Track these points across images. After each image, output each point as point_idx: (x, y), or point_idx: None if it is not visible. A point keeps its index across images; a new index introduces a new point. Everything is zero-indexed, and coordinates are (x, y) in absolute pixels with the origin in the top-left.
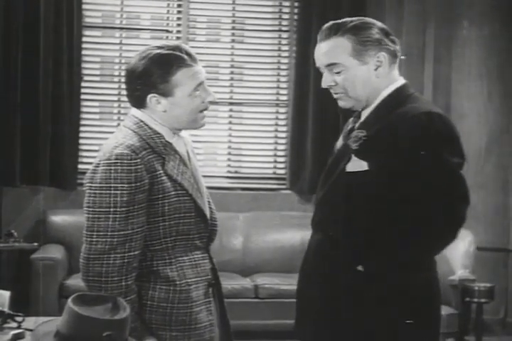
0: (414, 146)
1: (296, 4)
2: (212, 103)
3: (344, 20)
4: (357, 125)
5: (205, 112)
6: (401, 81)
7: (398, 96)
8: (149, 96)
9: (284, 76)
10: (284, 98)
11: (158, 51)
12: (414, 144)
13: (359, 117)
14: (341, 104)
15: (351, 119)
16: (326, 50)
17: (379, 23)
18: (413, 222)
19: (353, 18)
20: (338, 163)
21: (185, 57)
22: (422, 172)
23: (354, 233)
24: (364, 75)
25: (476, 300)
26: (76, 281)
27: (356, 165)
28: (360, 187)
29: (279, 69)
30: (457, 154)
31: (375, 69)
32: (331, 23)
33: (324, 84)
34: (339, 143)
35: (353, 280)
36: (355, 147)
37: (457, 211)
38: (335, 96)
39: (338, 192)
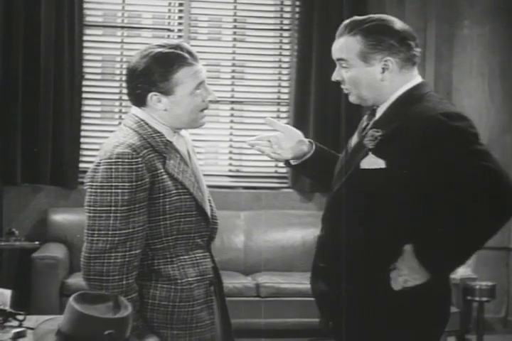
0: (437, 148)
1: (297, 3)
2: (213, 102)
3: (363, 18)
4: (371, 123)
5: (205, 112)
6: (417, 80)
7: (413, 95)
8: (150, 94)
9: (285, 75)
10: (286, 97)
11: (160, 50)
12: (437, 145)
13: (373, 115)
14: (350, 99)
15: (366, 117)
16: (338, 46)
17: (398, 26)
18: (445, 220)
19: (374, 17)
20: (353, 160)
21: (187, 55)
22: (456, 169)
23: (368, 229)
24: (368, 77)
25: (477, 298)
26: (77, 280)
27: (372, 162)
28: (377, 184)
29: (280, 67)
30: (480, 143)
31: (382, 73)
32: (350, 19)
33: (333, 77)
34: (354, 140)
35: (366, 276)
36: (371, 146)
37: (503, 202)
38: (344, 91)
39: (352, 188)
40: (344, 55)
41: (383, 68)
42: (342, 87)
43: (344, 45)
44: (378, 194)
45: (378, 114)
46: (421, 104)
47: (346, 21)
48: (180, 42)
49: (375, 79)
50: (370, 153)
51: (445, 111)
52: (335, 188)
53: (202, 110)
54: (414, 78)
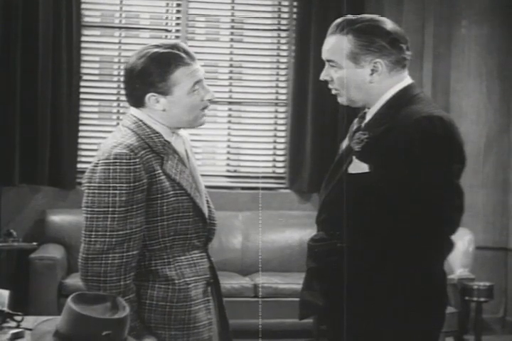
0: (414, 153)
1: (295, 3)
2: (211, 102)
3: (356, 17)
4: (362, 126)
5: (205, 110)
6: (406, 81)
7: (402, 98)
8: (148, 95)
9: (283, 75)
10: (283, 97)
11: (157, 50)
12: (415, 151)
13: (364, 117)
14: (339, 100)
15: (356, 120)
16: (328, 47)
17: (390, 27)
18: (407, 228)
19: (367, 17)
20: (342, 163)
21: (184, 55)
22: (420, 179)
23: (354, 234)
24: (357, 79)
25: (475, 299)
26: (75, 280)
27: (357, 167)
28: (361, 188)
29: (278, 68)
30: (458, 160)
31: (371, 74)
32: (342, 18)
33: (321, 77)
34: (345, 143)
35: (359, 279)
36: (357, 149)
37: (451, 220)
38: (332, 91)
39: (340, 193)
40: (334, 56)
41: (372, 70)
42: (330, 87)
43: (335, 45)
44: (364, 198)
45: (368, 116)
46: (409, 107)
47: (338, 20)
48: (176, 42)
49: (363, 80)
50: (354, 157)
51: (429, 114)
52: (326, 192)
53: (202, 109)
54: (404, 80)
